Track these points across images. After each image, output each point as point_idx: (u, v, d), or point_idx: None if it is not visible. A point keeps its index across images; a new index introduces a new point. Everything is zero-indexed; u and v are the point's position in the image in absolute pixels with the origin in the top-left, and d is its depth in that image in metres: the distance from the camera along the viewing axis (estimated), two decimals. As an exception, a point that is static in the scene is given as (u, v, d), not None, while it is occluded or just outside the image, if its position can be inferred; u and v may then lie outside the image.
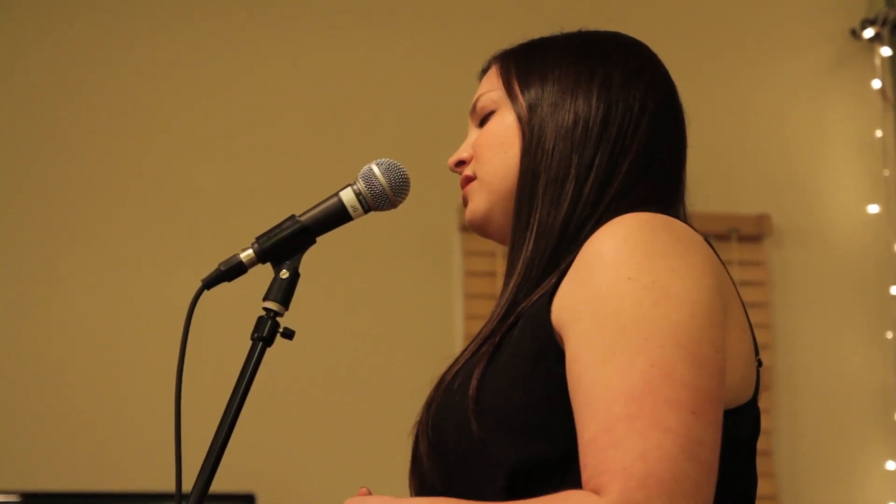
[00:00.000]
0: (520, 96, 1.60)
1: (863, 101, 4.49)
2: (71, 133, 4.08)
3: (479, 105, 1.65)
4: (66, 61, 4.13)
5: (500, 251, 4.12)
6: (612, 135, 1.54)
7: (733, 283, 1.47)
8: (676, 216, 1.49)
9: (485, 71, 1.69)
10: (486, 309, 4.07)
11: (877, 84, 4.48)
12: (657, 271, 1.35)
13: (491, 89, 1.64)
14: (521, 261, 1.53)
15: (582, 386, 1.33)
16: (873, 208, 4.43)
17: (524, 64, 1.62)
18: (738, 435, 1.43)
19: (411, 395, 4.42)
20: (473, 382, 1.44)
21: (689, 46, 4.41)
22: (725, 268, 1.46)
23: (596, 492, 1.28)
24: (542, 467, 1.39)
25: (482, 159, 1.62)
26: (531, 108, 1.58)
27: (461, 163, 1.66)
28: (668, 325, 1.32)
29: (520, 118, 1.59)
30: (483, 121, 1.64)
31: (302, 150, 4.16)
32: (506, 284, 1.55)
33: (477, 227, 1.64)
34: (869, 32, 4.48)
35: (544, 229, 1.52)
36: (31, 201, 4.03)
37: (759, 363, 1.49)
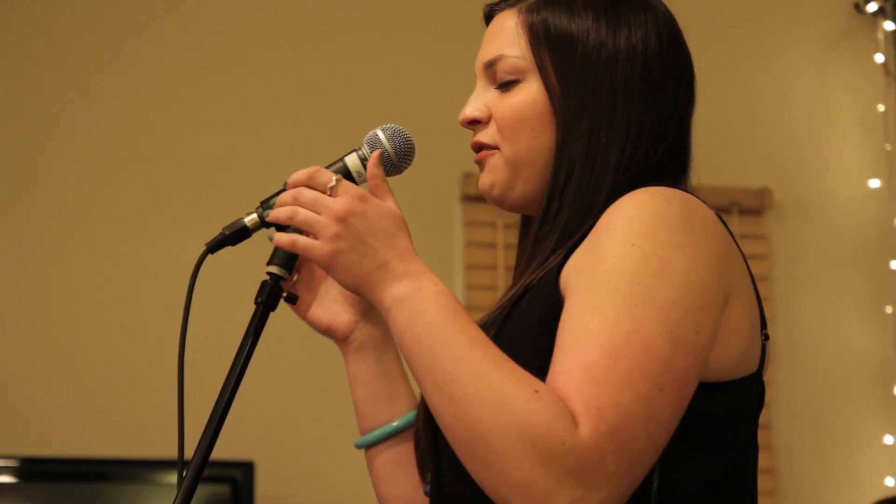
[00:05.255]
0: (551, 73, 1.54)
1: (865, 76, 4.48)
2: (76, 99, 4.07)
3: (501, 68, 1.56)
4: (69, 29, 4.11)
5: (502, 222, 4.11)
6: (652, 110, 1.53)
7: (744, 257, 1.46)
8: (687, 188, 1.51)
9: (490, 16, 1.62)
10: (487, 279, 4.10)
11: (880, 58, 4.47)
12: (662, 243, 1.36)
13: (518, 56, 1.56)
14: (548, 248, 1.50)
15: (564, 332, 1.34)
16: (875, 183, 4.43)
17: (553, 31, 1.55)
18: (738, 404, 1.44)
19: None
20: None
21: (692, 19, 4.38)
22: (736, 242, 1.46)
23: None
24: None
25: (509, 136, 1.55)
26: (564, 84, 1.53)
27: (475, 121, 1.59)
28: (659, 299, 1.33)
29: (550, 94, 1.54)
30: (504, 86, 1.57)
31: (306, 115, 4.16)
32: (525, 264, 1.53)
33: (494, 200, 1.59)
34: (872, 6, 4.46)
35: (576, 210, 1.50)
36: (40, 165, 4.02)
37: (766, 337, 1.49)
